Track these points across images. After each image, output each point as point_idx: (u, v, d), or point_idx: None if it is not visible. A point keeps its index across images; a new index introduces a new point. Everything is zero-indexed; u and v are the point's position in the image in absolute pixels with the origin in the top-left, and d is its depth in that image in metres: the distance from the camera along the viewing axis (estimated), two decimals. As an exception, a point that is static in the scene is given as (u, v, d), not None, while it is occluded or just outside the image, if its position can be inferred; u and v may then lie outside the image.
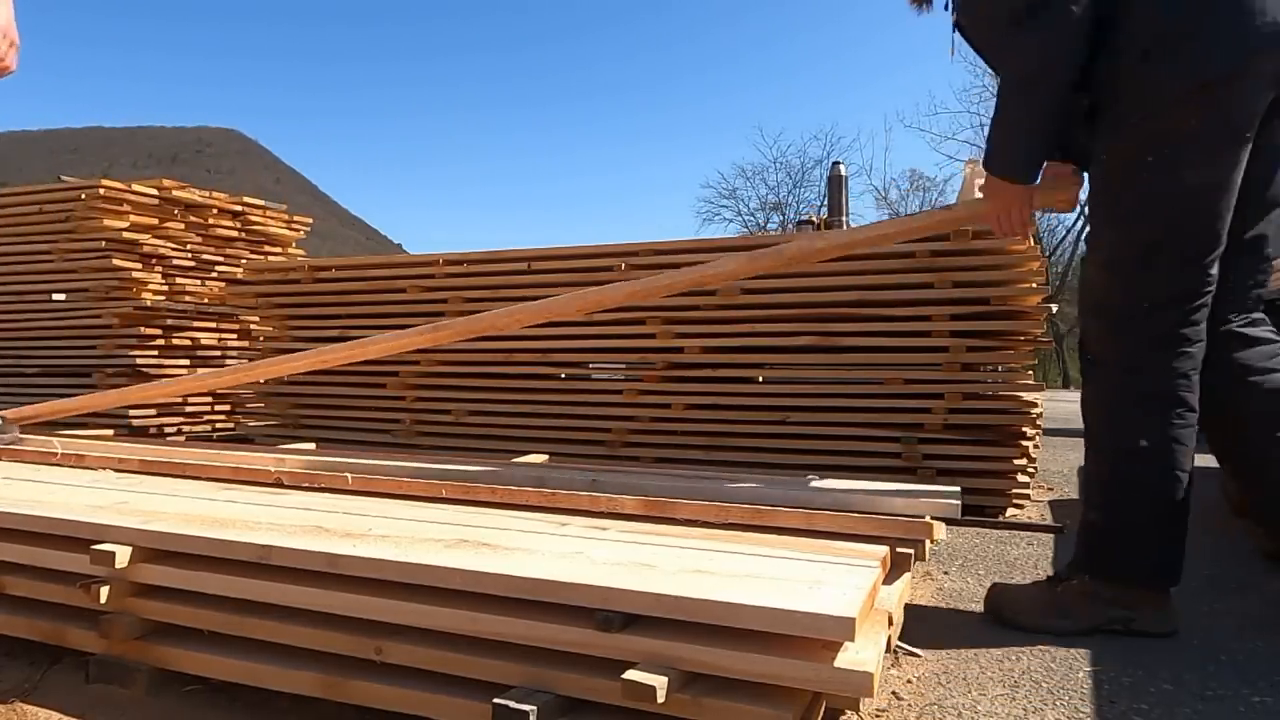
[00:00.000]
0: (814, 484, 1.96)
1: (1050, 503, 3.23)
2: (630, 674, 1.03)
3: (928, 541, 1.61)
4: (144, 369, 4.51)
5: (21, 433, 2.61)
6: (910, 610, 1.71)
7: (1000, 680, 1.44)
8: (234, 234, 5.13)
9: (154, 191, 4.66)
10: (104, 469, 2.13)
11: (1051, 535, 2.65)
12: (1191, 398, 1.62)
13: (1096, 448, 1.71)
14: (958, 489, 1.97)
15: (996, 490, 2.87)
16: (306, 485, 1.90)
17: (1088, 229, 1.80)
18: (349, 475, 1.91)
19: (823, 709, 1.16)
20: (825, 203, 9.19)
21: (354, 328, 3.92)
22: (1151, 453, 1.62)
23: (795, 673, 1.03)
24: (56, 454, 2.26)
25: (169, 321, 4.62)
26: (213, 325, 4.92)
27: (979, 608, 1.81)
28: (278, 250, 5.43)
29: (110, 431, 3.43)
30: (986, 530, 2.69)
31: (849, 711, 1.29)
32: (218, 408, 4.91)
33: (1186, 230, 1.57)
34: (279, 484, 1.91)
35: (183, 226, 4.81)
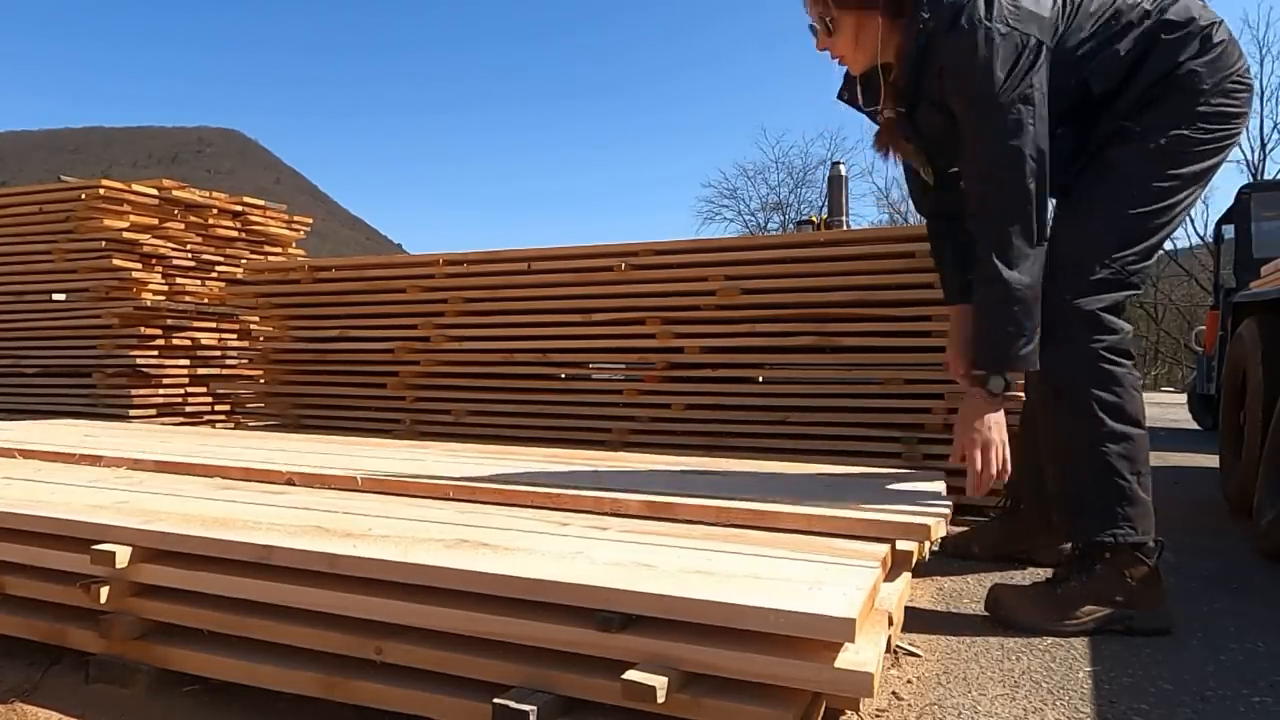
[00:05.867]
0: (812, 483, 1.96)
1: (1050, 503, 3.23)
2: (630, 674, 1.03)
3: (928, 541, 1.61)
4: (144, 369, 4.51)
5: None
6: (910, 610, 1.71)
7: (1000, 680, 1.44)
8: (234, 234, 5.14)
9: (154, 191, 4.66)
10: (117, 468, 2.12)
11: (1051, 535, 2.66)
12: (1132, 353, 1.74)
13: (1075, 410, 1.70)
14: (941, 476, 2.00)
15: (996, 490, 2.87)
16: (318, 485, 1.90)
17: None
18: (358, 476, 1.91)
19: (823, 709, 1.15)
20: (826, 203, 9.20)
21: (354, 328, 3.92)
22: (1127, 399, 1.69)
23: (795, 673, 1.03)
24: (75, 454, 2.25)
25: (169, 321, 4.62)
26: (213, 325, 4.92)
27: (979, 608, 1.81)
28: (278, 250, 5.43)
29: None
30: (986, 530, 2.69)
31: (849, 711, 1.29)
32: (218, 408, 4.91)
33: (1163, 234, 1.76)
34: (290, 483, 1.91)
35: (183, 226, 4.81)
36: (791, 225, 22.96)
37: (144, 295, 4.55)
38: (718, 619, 1.06)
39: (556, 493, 1.74)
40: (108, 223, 4.45)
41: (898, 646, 1.56)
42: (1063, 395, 1.72)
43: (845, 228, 8.07)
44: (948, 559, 2.25)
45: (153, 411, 4.55)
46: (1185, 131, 1.69)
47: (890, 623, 1.34)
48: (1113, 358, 1.69)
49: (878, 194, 29.69)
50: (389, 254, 7.95)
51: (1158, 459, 4.96)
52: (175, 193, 4.77)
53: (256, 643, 1.30)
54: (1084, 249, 1.70)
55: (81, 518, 1.45)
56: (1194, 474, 4.20)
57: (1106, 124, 1.74)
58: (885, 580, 1.38)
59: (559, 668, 1.12)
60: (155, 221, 4.65)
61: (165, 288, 4.69)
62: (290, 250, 5.54)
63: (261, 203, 5.37)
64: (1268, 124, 19.40)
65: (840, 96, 1.91)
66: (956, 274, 1.95)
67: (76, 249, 4.56)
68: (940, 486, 1.93)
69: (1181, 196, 1.73)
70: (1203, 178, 1.75)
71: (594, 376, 3.63)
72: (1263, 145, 19.47)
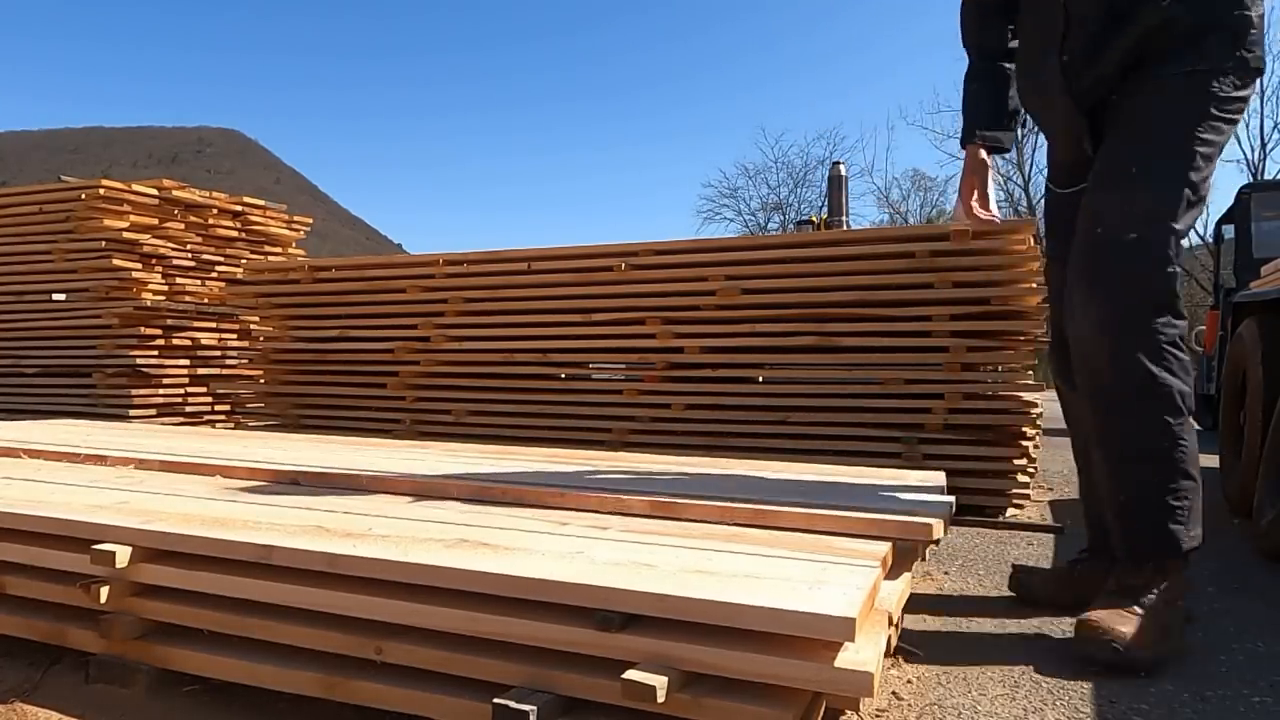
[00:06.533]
0: (812, 483, 1.96)
1: (1050, 503, 3.24)
2: (630, 674, 1.03)
3: (928, 541, 1.61)
4: (144, 369, 4.51)
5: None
6: (910, 610, 1.71)
7: (1000, 680, 1.44)
8: (234, 234, 5.14)
9: (154, 191, 4.66)
10: (118, 468, 2.12)
11: (1051, 535, 2.66)
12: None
13: (1134, 412, 1.58)
14: (942, 475, 2.00)
15: (996, 490, 2.87)
16: (318, 484, 1.90)
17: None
18: (359, 475, 1.91)
19: (823, 709, 1.15)
20: (826, 203, 9.20)
21: (354, 328, 3.92)
22: (1184, 402, 1.57)
23: (796, 673, 1.03)
24: (75, 454, 2.25)
25: (169, 321, 4.62)
26: (213, 325, 4.92)
27: (979, 608, 1.81)
28: (278, 250, 5.43)
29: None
30: (986, 530, 2.70)
31: (849, 711, 1.29)
32: (218, 408, 4.91)
33: (1199, 205, 1.64)
34: (291, 483, 1.91)
35: (183, 226, 4.81)
36: (791, 225, 22.96)
37: (144, 295, 4.55)
38: (718, 618, 1.05)
39: (556, 492, 1.74)
40: (108, 223, 4.45)
41: (898, 646, 1.56)
42: (1144, 390, 1.57)
43: (845, 228, 8.07)
44: (947, 557, 2.25)
45: (153, 411, 4.55)
46: (1213, 87, 1.57)
47: (890, 622, 1.34)
48: (1176, 353, 1.58)
49: (878, 194, 29.71)
50: (389, 254, 7.94)
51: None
52: (175, 193, 4.78)
53: (256, 643, 1.30)
54: (1148, 225, 1.58)
55: (81, 518, 1.45)
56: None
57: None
58: (885, 580, 1.38)
59: (559, 667, 1.12)
60: (155, 221, 4.65)
61: (165, 288, 4.69)
62: (290, 250, 5.54)
63: (261, 203, 5.38)
64: (1268, 124, 19.36)
65: None
66: (981, 114, 1.98)
67: (76, 249, 4.56)
68: (941, 486, 1.93)
69: (1206, 170, 1.62)
70: (1218, 151, 1.64)
71: (594, 376, 3.63)
72: (1263, 145, 19.40)
